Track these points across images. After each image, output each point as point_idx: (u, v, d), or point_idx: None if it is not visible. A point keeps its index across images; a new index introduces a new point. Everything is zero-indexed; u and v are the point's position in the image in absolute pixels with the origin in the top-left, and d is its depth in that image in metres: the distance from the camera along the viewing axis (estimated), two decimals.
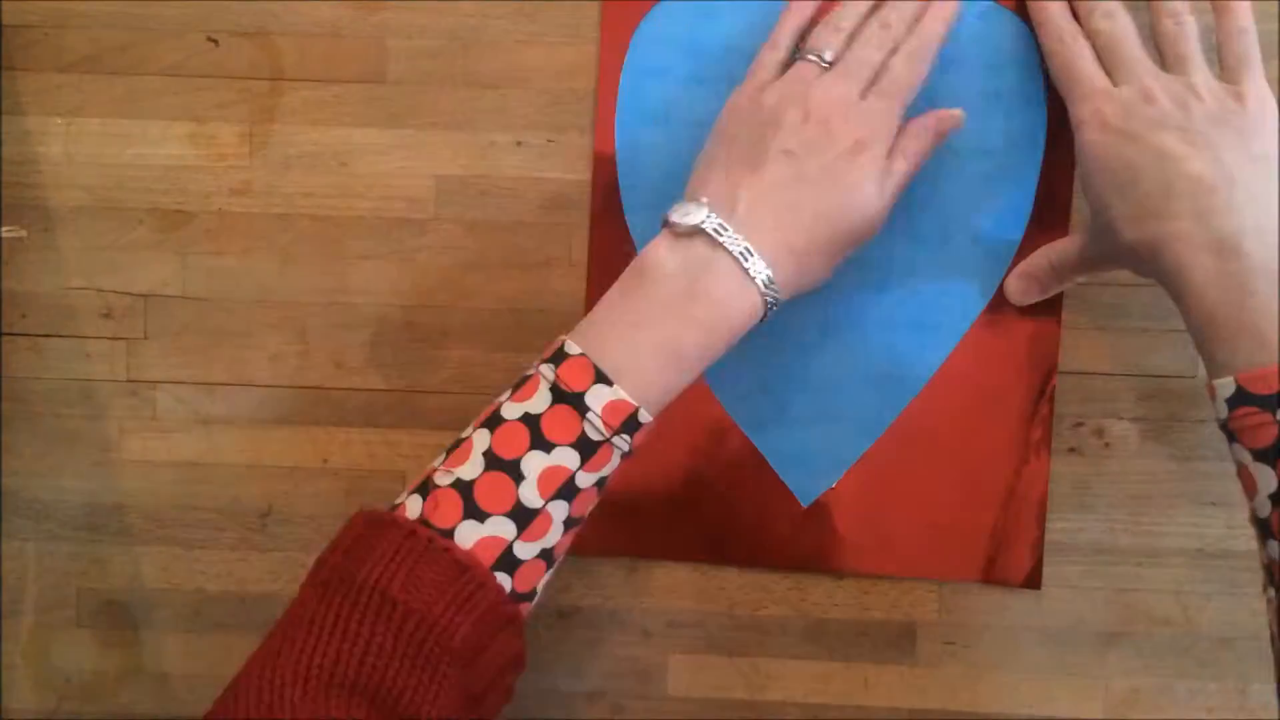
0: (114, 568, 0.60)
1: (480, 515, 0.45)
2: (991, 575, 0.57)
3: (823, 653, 0.59)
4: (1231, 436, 0.45)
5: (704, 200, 0.48)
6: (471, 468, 0.46)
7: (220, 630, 0.60)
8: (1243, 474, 0.45)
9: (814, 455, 0.57)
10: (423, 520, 0.45)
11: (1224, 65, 0.50)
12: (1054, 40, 0.52)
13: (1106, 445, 0.58)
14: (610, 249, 0.57)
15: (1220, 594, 0.58)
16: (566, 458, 0.46)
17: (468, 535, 0.45)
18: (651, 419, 0.47)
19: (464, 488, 0.46)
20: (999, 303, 0.56)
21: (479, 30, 0.57)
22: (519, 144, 0.58)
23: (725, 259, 0.47)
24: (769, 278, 0.47)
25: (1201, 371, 0.57)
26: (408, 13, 0.57)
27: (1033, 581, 0.57)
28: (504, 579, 0.46)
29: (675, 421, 0.57)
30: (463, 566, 0.44)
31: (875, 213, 0.49)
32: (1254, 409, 0.43)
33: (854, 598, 0.58)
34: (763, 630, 0.59)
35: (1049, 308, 0.56)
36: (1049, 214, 0.56)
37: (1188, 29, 0.50)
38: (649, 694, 0.59)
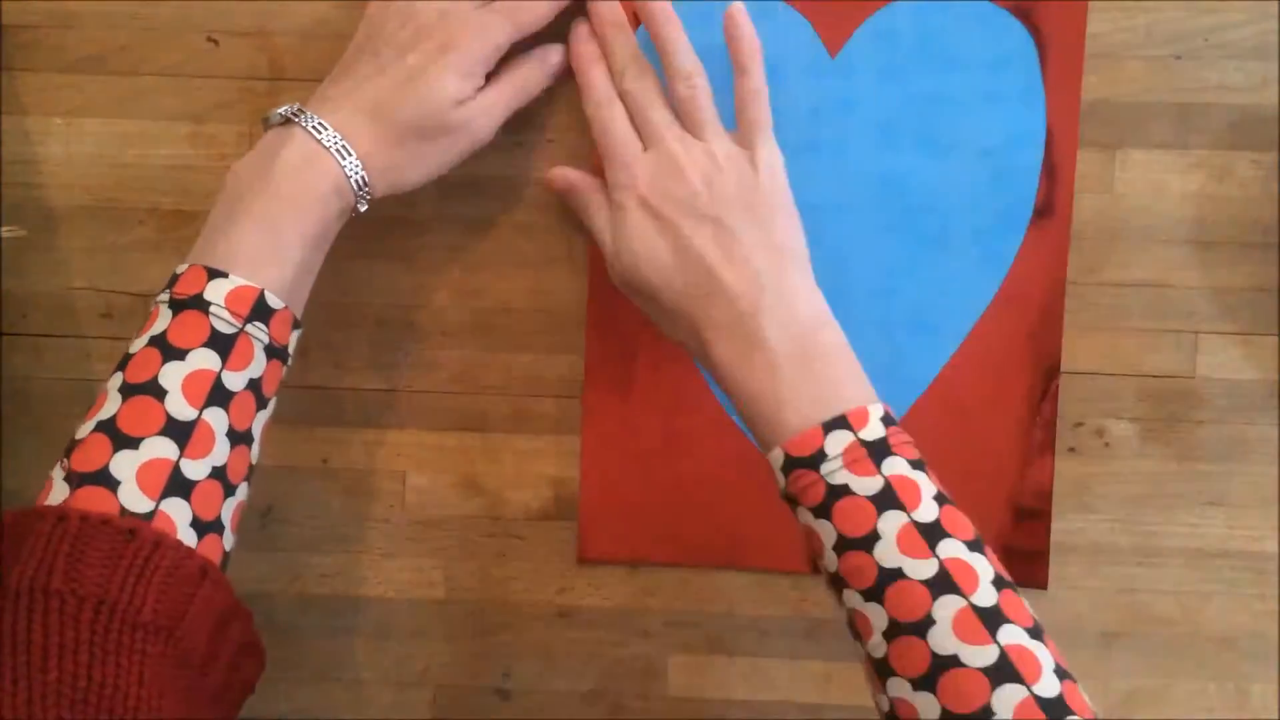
0: None
1: (132, 443, 0.44)
2: None
3: (823, 653, 0.59)
4: (793, 502, 0.47)
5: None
6: (110, 406, 0.46)
7: None
8: (810, 537, 0.47)
9: None
10: (71, 473, 0.44)
11: (740, 127, 0.52)
12: (592, 105, 0.54)
13: (1106, 445, 0.58)
14: None
15: (1220, 594, 0.58)
16: (205, 359, 0.46)
17: (125, 467, 0.44)
18: (284, 306, 0.48)
19: (107, 425, 0.45)
20: (1001, 304, 0.56)
21: None
22: (519, 144, 0.58)
23: (300, 133, 0.50)
24: (344, 146, 0.50)
25: (1201, 371, 0.57)
26: None
27: (1039, 580, 0.57)
28: (182, 507, 0.44)
29: (678, 422, 0.57)
30: (128, 531, 0.42)
31: (464, 116, 0.52)
32: (803, 470, 0.46)
33: None
34: (762, 630, 0.59)
35: (1051, 308, 0.56)
36: (1049, 214, 0.56)
37: (700, 93, 0.52)
38: (649, 694, 0.59)
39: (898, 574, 0.44)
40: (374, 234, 0.58)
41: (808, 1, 0.55)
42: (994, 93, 0.55)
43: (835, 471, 0.46)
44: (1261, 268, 0.57)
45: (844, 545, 0.45)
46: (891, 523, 0.45)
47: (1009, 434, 0.57)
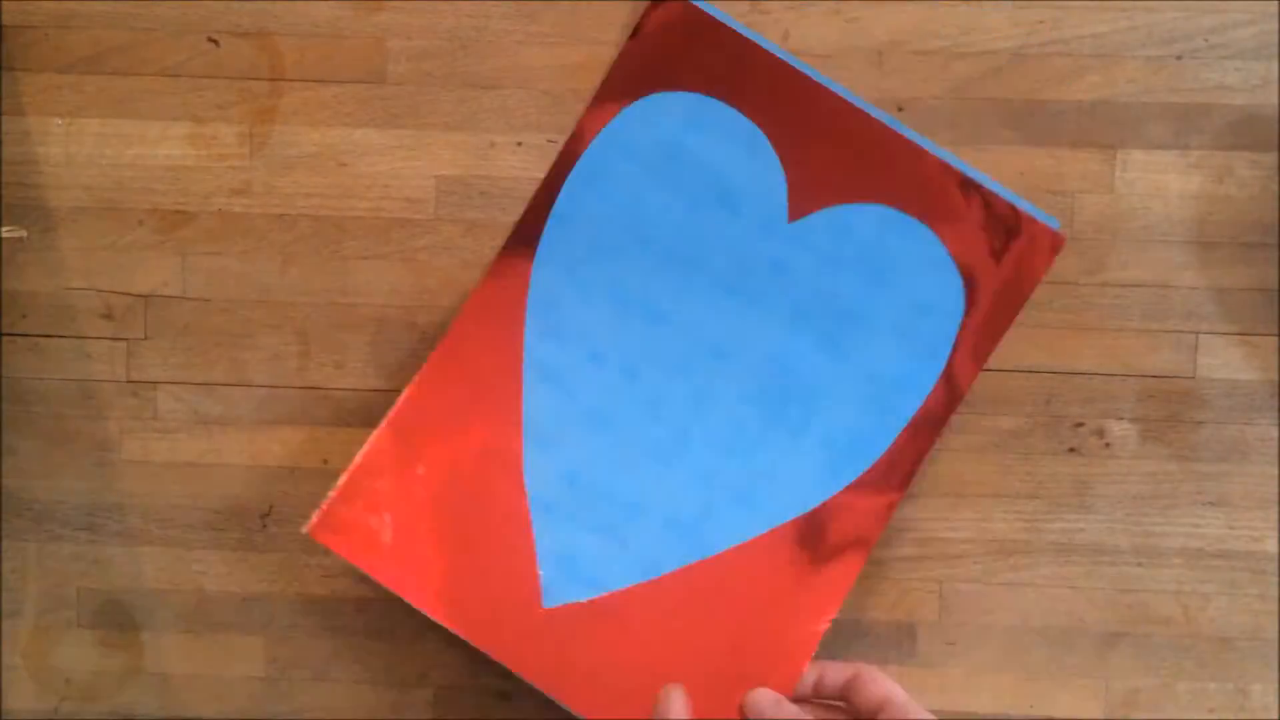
0: (114, 568, 0.60)
1: None
2: None
3: (823, 653, 0.59)
4: None
5: None
6: None
7: (220, 630, 0.60)
8: None
9: (580, 562, 0.55)
10: None
11: None
12: None
13: (1106, 445, 0.58)
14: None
15: (1220, 594, 0.58)
16: None
17: None
18: None
19: None
20: (807, 524, 0.54)
21: (479, 30, 0.57)
22: (519, 144, 0.58)
23: None
24: None
25: (1201, 371, 0.57)
26: (408, 13, 0.57)
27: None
28: None
29: (466, 459, 0.55)
30: None
31: None
32: None
33: (854, 598, 0.58)
34: None
35: (850, 557, 0.54)
36: (895, 467, 0.54)
37: None
38: None
39: None
40: (375, 234, 0.58)
41: (793, 166, 0.55)
42: (907, 330, 0.54)
43: None
44: (1261, 268, 0.57)
45: None
46: None
47: (762, 629, 0.54)
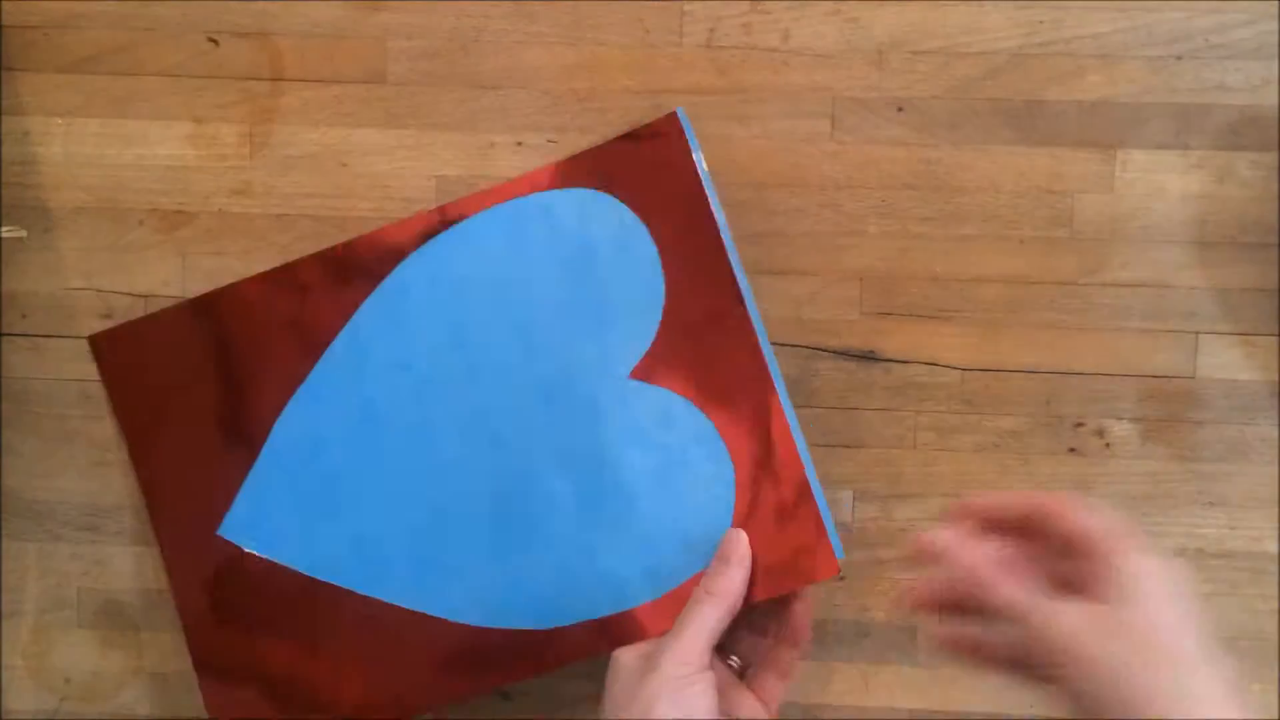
0: (114, 568, 0.60)
1: None
2: None
3: (823, 653, 0.59)
4: None
5: None
6: None
7: None
8: None
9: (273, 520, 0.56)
10: None
11: None
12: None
13: (1107, 445, 0.58)
14: None
15: (1220, 594, 0.58)
16: None
17: None
18: None
19: None
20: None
21: (479, 30, 0.57)
22: (519, 144, 0.58)
23: None
24: None
25: (1202, 371, 0.57)
26: (408, 13, 0.57)
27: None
28: None
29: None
30: None
31: None
32: None
33: (854, 598, 0.58)
34: None
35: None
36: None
37: None
38: None
39: None
40: None
41: (667, 317, 0.54)
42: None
43: None
44: (1261, 268, 0.57)
45: None
46: None
47: None
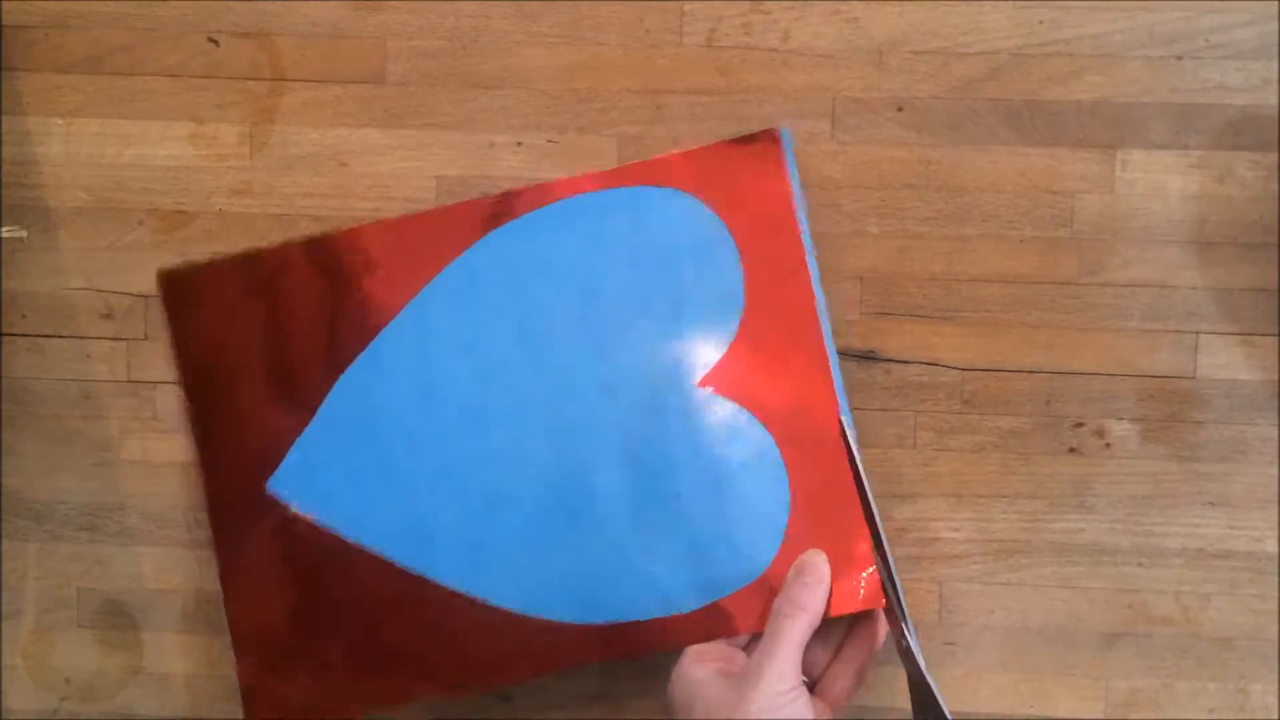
0: (114, 568, 0.60)
1: None
2: None
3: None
4: None
5: None
6: None
7: (220, 630, 0.60)
8: None
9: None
10: None
11: None
12: None
13: (1107, 445, 0.58)
14: None
15: (1220, 594, 0.58)
16: None
17: None
18: None
19: None
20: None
21: (479, 30, 0.57)
22: (519, 144, 0.58)
23: None
24: None
25: (1202, 371, 0.57)
26: (408, 13, 0.57)
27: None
28: None
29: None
30: None
31: None
32: None
33: None
34: None
35: None
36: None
37: None
38: (649, 694, 0.59)
39: None
40: None
41: (744, 327, 0.54)
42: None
43: None
44: (1261, 268, 0.57)
45: None
46: None
47: None
